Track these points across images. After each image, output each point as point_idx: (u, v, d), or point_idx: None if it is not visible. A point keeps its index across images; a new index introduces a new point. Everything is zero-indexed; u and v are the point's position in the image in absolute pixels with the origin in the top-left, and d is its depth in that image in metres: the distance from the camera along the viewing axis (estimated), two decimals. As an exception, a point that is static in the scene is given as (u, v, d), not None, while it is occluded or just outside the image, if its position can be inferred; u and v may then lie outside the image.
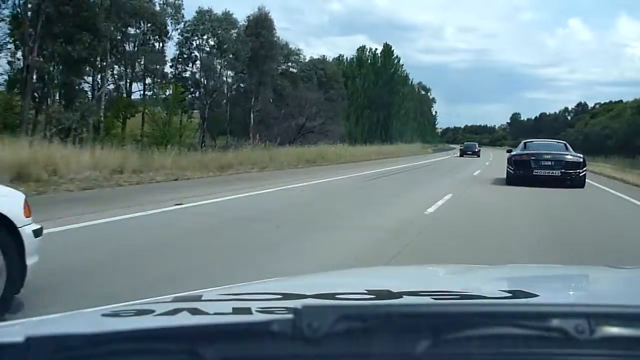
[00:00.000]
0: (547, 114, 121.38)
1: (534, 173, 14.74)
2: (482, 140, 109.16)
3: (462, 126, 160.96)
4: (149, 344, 0.78)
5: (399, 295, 1.21)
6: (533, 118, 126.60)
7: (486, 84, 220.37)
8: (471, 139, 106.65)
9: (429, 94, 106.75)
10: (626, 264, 2.29)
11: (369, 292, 1.24)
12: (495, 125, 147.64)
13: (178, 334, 0.81)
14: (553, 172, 14.68)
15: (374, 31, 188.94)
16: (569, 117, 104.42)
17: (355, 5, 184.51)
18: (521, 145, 16.88)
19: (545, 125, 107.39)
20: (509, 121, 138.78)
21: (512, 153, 16.41)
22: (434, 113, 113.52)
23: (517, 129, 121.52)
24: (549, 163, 14.81)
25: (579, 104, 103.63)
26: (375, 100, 59.65)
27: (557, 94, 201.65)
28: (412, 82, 75.44)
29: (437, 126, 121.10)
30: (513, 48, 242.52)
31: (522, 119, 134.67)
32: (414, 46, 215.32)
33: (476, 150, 47.71)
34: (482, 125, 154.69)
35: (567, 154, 15.42)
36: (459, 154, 47.37)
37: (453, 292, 1.32)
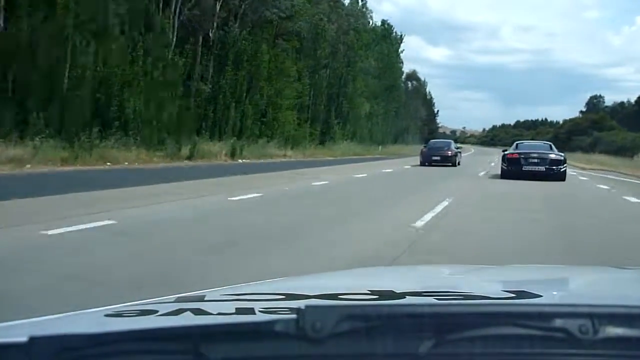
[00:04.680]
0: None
1: (523, 169, 17.05)
2: (536, 138, 58.68)
3: (513, 122, 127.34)
4: (152, 344, 0.78)
5: (402, 295, 1.20)
6: (634, 100, 78.76)
7: (545, 85, 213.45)
8: (519, 136, 72.21)
9: (391, 29, 55.31)
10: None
11: (372, 292, 1.24)
12: (557, 121, 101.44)
13: (181, 334, 0.81)
14: (539, 168, 17.03)
15: (427, 32, 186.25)
16: None
17: (407, 6, 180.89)
18: (514, 145, 19.45)
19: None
20: (583, 109, 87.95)
21: (505, 152, 18.73)
22: (404, 70, 65.27)
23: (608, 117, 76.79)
24: (536, 160, 17.25)
25: None
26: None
27: (622, 94, 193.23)
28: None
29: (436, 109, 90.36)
30: (575, 47, 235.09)
31: (605, 104, 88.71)
32: (469, 47, 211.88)
33: (450, 153, 25.46)
34: (539, 119, 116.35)
35: (551, 153, 17.83)
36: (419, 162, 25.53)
37: (456, 292, 1.32)
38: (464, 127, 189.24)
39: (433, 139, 34.15)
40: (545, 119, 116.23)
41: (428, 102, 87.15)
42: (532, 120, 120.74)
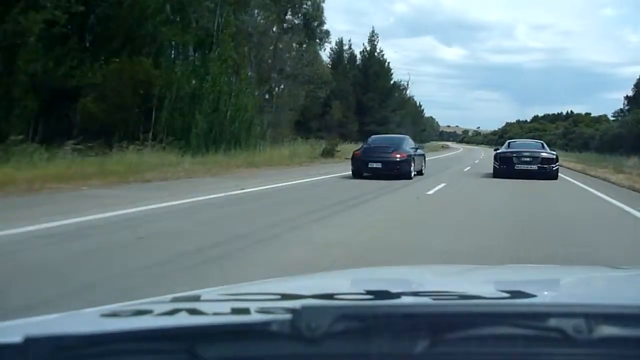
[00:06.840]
0: None
1: (515, 167, 17.11)
2: (576, 132, 45.81)
3: (530, 118, 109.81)
4: (147, 344, 0.78)
5: (398, 295, 1.20)
6: None
7: (561, 84, 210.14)
8: (541, 131, 60.14)
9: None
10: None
11: (368, 292, 1.24)
12: (588, 112, 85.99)
13: (177, 334, 0.81)
14: (531, 167, 17.13)
15: (441, 32, 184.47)
16: None
17: (420, 6, 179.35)
18: (506, 144, 19.65)
19: None
20: (630, 94, 58.76)
21: (498, 151, 18.69)
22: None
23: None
24: (528, 159, 17.32)
25: None
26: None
27: None
28: None
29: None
30: (591, 46, 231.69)
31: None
32: (483, 46, 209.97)
33: (399, 157, 15.28)
34: (562, 113, 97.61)
35: (543, 152, 17.84)
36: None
37: (452, 292, 1.32)
38: (478, 127, 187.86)
39: (377, 134, 20.87)
40: (571, 112, 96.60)
41: (382, 71, 49.68)
42: (555, 114, 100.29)
